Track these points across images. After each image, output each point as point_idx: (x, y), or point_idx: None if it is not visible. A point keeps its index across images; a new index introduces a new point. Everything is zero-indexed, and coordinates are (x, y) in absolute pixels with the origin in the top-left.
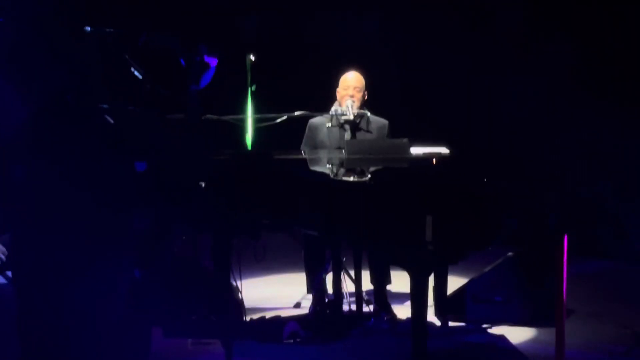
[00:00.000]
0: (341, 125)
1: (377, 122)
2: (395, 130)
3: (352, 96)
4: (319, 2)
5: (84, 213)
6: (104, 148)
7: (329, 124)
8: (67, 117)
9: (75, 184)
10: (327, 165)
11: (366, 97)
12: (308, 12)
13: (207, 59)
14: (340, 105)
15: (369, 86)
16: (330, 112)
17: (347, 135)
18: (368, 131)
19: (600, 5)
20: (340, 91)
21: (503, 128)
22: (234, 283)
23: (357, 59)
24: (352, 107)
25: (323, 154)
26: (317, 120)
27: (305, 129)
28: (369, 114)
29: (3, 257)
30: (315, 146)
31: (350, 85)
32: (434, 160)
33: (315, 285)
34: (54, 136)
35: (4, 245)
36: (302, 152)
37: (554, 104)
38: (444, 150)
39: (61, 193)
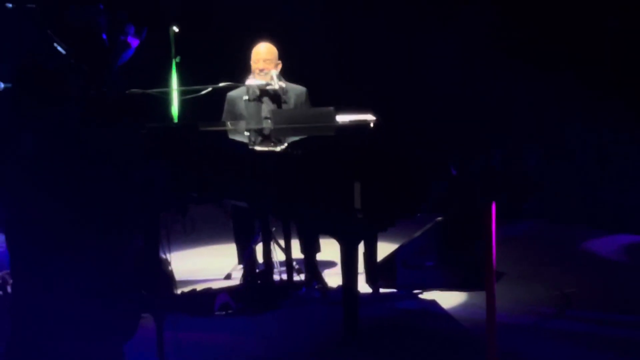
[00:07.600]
0: (258, 98)
1: (294, 89)
2: (319, 99)
3: (261, 69)
4: None
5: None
6: None
7: (246, 97)
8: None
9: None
10: (245, 134)
11: (280, 66)
12: None
13: (130, 39)
14: (254, 77)
15: (288, 55)
16: (245, 85)
17: (268, 107)
18: (284, 101)
19: None
20: (252, 64)
21: (425, 93)
22: (164, 256)
23: (277, 26)
24: (276, 77)
25: (243, 125)
26: (234, 93)
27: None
28: (284, 84)
29: None
30: (235, 119)
31: (260, 58)
32: (361, 127)
33: (245, 256)
34: None
35: None
36: (227, 123)
37: (473, 66)
38: (370, 117)
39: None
